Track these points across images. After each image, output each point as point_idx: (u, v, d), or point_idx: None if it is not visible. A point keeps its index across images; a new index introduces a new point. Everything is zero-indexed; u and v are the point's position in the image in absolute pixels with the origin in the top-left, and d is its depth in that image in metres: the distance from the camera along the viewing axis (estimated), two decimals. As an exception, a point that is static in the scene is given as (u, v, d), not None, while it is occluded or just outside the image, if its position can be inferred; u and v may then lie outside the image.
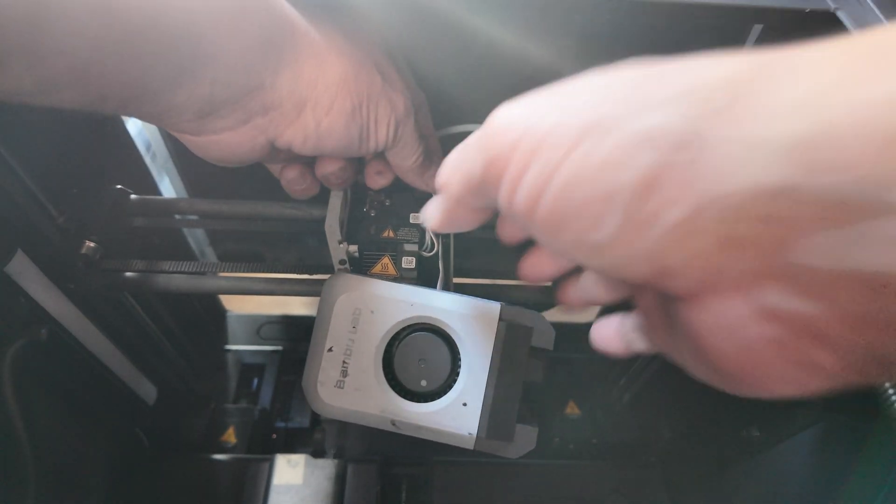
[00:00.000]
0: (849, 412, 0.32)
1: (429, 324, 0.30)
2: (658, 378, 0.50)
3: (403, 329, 0.30)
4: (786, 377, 0.15)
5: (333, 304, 0.30)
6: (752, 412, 0.41)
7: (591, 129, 0.16)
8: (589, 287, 0.25)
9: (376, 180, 0.34)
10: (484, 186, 0.19)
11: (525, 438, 0.29)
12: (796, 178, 0.12)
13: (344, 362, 0.29)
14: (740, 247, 0.14)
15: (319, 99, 0.27)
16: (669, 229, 0.15)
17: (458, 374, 0.29)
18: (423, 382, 0.29)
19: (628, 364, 0.51)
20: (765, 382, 0.16)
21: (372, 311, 0.30)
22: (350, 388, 0.29)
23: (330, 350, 0.30)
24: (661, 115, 0.15)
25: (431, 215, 0.24)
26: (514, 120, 0.18)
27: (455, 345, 0.29)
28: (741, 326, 0.15)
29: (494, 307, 0.29)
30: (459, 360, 0.29)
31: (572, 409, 0.57)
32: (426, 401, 0.29)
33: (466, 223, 0.23)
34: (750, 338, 0.15)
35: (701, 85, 0.14)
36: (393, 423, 0.29)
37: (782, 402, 0.38)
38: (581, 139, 0.16)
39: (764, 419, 0.40)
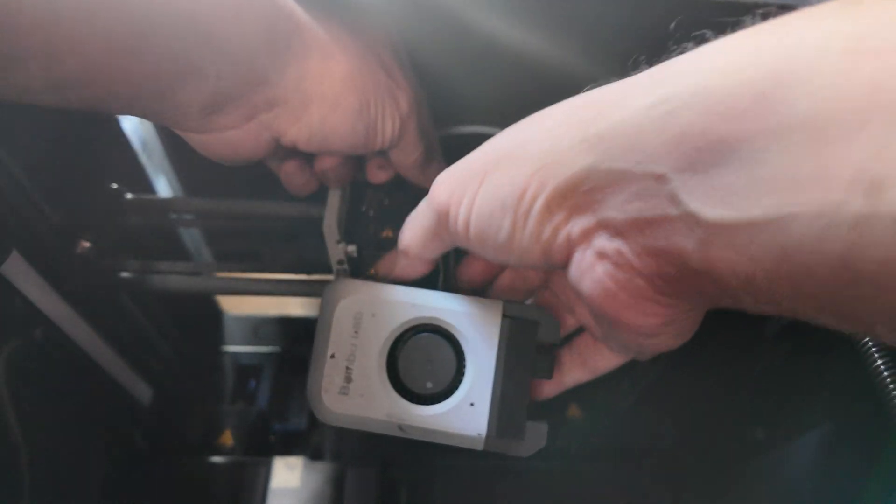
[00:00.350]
0: (853, 413, 0.32)
1: (431, 324, 0.29)
2: (661, 381, 0.49)
3: (406, 331, 0.29)
4: (630, 304, 0.21)
5: (334, 310, 0.29)
6: (757, 413, 0.41)
7: (492, 164, 0.23)
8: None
9: (378, 175, 0.34)
10: (438, 231, 0.27)
11: (535, 436, 0.28)
12: (596, 161, 0.19)
13: (347, 368, 0.29)
14: (578, 212, 0.21)
15: (325, 95, 0.27)
16: (539, 214, 0.21)
17: (463, 374, 0.29)
18: (429, 384, 0.29)
19: (631, 367, 0.51)
20: (624, 313, 0.21)
21: (373, 315, 0.29)
22: (355, 394, 0.29)
23: (332, 357, 0.29)
24: (533, 145, 0.22)
25: (391, 268, 0.32)
26: (449, 176, 0.25)
27: (459, 344, 0.29)
28: (590, 268, 0.21)
29: (497, 304, 0.29)
30: (464, 359, 0.29)
31: (574, 412, 0.56)
32: (432, 403, 0.29)
33: (417, 273, 0.31)
34: (597, 275, 0.21)
35: (552, 121, 0.22)
36: (400, 427, 0.29)
37: (787, 402, 0.38)
38: (487, 172, 0.23)
39: (768, 420, 0.39)
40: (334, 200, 0.34)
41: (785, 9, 0.19)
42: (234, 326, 0.64)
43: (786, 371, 0.38)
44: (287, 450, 0.55)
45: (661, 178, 0.18)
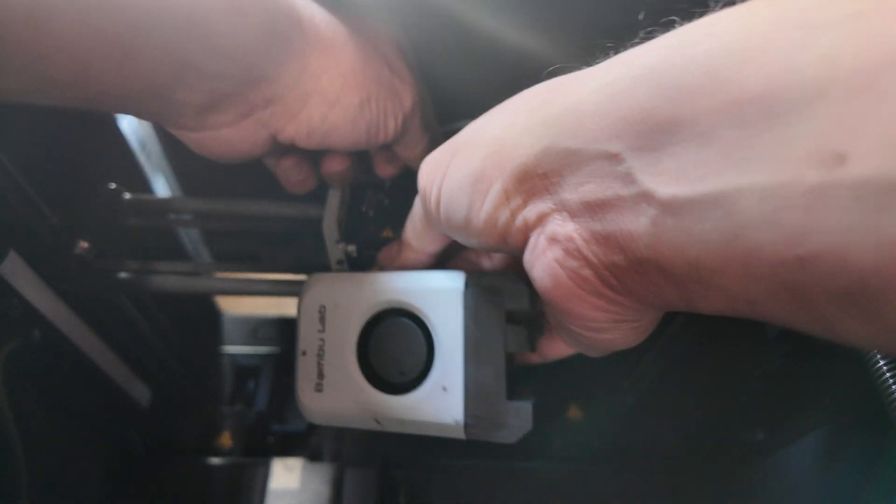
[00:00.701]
0: (855, 415, 0.32)
1: (397, 308, 0.28)
2: (662, 382, 0.49)
3: (373, 318, 0.28)
4: (577, 295, 0.20)
5: (300, 307, 0.29)
6: (757, 414, 0.41)
7: (455, 151, 0.24)
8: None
9: (386, 168, 0.34)
10: (426, 217, 0.27)
11: (520, 417, 0.25)
12: (551, 143, 0.19)
13: (318, 363, 0.28)
14: (535, 196, 0.20)
15: (325, 91, 0.27)
16: (496, 198, 0.22)
17: (434, 358, 0.27)
18: (402, 372, 0.27)
19: (631, 367, 0.51)
20: (570, 303, 0.21)
21: (336, 306, 0.28)
22: (328, 388, 0.28)
23: (304, 354, 0.28)
24: (489, 132, 0.23)
25: (392, 259, 0.32)
26: (427, 161, 0.26)
27: (426, 326, 0.27)
28: (542, 253, 0.21)
29: (458, 275, 0.27)
30: (433, 341, 0.27)
31: (574, 413, 0.56)
32: (406, 392, 0.27)
33: (419, 266, 0.31)
34: (548, 261, 0.20)
35: (512, 107, 0.23)
36: (376, 420, 0.27)
37: (787, 404, 0.37)
38: (451, 158, 0.24)
39: (769, 422, 0.39)
40: (334, 200, 0.34)
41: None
42: (232, 327, 0.64)
43: (787, 373, 0.38)
44: (286, 451, 0.55)
45: (615, 158, 0.17)
